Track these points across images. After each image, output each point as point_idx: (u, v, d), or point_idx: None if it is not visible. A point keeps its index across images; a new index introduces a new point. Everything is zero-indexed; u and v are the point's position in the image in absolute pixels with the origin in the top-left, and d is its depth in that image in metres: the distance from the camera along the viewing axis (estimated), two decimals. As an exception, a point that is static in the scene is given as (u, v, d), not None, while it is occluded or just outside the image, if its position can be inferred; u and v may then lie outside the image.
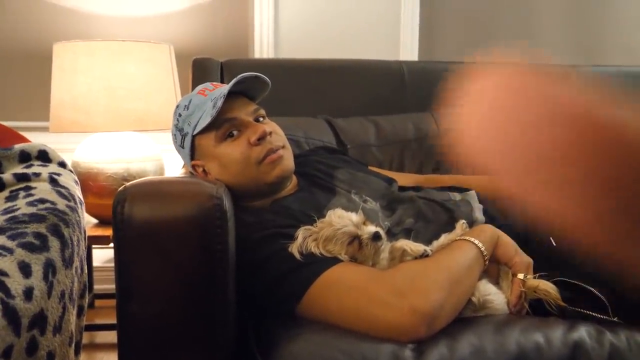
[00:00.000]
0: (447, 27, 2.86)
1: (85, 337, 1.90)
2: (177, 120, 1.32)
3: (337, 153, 1.59)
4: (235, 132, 1.27)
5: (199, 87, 1.35)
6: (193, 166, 1.32)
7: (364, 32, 2.57)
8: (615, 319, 1.05)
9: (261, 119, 1.31)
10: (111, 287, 1.27)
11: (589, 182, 0.27)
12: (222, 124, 1.26)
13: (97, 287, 2.56)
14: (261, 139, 1.26)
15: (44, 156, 1.13)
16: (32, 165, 1.10)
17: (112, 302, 1.10)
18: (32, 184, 1.04)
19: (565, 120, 0.27)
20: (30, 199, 1.00)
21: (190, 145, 1.30)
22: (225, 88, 1.27)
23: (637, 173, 0.26)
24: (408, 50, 2.60)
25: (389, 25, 2.59)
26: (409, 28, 2.60)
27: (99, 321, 2.38)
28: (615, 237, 0.28)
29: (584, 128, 0.27)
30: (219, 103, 1.23)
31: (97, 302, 2.55)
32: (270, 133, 1.28)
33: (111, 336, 2.29)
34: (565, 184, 0.28)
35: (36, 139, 1.19)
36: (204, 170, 1.31)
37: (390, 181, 1.42)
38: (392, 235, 1.18)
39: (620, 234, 0.27)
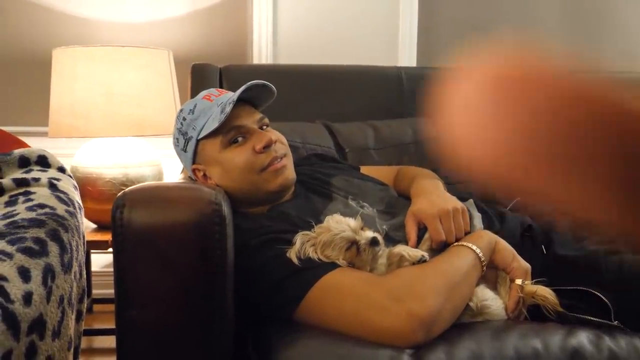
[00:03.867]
0: (445, 34, 2.87)
1: (84, 342, 1.90)
2: (181, 124, 1.32)
3: (329, 160, 1.59)
4: (240, 139, 1.27)
5: (204, 93, 1.35)
6: (193, 170, 1.33)
7: (363, 39, 2.58)
8: (616, 323, 1.05)
9: (265, 127, 1.32)
10: (110, 292, 1.27)
11: (603, 174, 0.27)
12: (230, 131, 1.26)
13: (96, 292, 2.56)
14: (267, 147, 1.26)
15: (43, 161, 1.13)
16: (31, 170, 1.10)
17: (111, 307, 1.10)
18: (32, 189, 1.05)
19: (563, 104, 0.27)
20: (30, 204, 1.00)
21: (194, 149, 1.30)
22: (234, 94, 1.27)
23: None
24: (406, 56, 2.61)
25: (387, 32, 2.60)
26: (407, 34, 2.61)
27: (97, 326, 2.38)
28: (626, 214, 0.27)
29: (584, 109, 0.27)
30: (228, 109, 1.23)
31: (96, 307, 2.54)
32: (275, 142, 1.29)
33: (109, 341, 2.29)
34: (572, 174, 0.27)
35: (35, 144, 1.20)
36: (204, 175, 1.31)
37: (386, 186, 1.43)
38: (392, 240, 1.18)
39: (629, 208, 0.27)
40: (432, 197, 1.25)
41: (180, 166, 1.45)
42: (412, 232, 1.19)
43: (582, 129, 0.26)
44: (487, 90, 0.29)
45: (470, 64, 0.31)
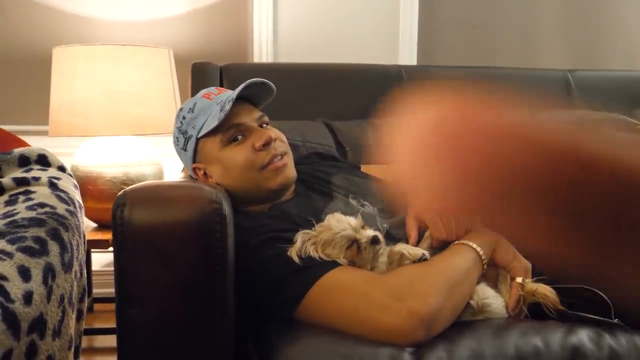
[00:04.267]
0: (446, 32, 2.87)
1: (85, 341, 1.91)
2: (181, 122, 1.32)
3: (329, 159, 1.59)
4: (240, 137, 1.27)
5: (204, 91, 1.35)
6: (194, 169, 1.32)
7: (363, 37, 2.58)
8: (616, 320, 1.05)
9: (265, 125, 1.32)
10: (110, 291, 1.27)
11: (550, 208, 0.29)
12: (229, 129, 1.26)
13: (96, 291, 2.56)
14: (266, 144, 1.26)
15: (43, 160, 1.13)
16: (31, 169, 1.10)
17: (111, 306, 1.11)
18: (32, 188, 1.04)
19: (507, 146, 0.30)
20: (30, 203, 1.00)
21: (194, 148, 1.30)
22: (233, 92, 1.27)
23: (596, 188, 0.28)
24: (407, 55, 2.61)
25: (388, 31, 2.60)
26: (408, 33, 2.61)
27: (98, 325, 2.38)
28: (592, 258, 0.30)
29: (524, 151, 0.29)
30: (227, 107, 1.23)
31: (97, 306, 2.54)
32: (275, 139, 1.29)
33: (110, 340, 2.29)
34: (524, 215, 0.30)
35: (35, 143, 1.20)
36: (204, 173, 1.31)
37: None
38: (392, 238, 1.18)
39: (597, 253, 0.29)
40: None
41: (181, 165, 1.45)
42: (412, 230, 1.19)
43: (516, 165, 0.29)
44: (428, 139, 0.33)
45: (411, 117, 0.34)
